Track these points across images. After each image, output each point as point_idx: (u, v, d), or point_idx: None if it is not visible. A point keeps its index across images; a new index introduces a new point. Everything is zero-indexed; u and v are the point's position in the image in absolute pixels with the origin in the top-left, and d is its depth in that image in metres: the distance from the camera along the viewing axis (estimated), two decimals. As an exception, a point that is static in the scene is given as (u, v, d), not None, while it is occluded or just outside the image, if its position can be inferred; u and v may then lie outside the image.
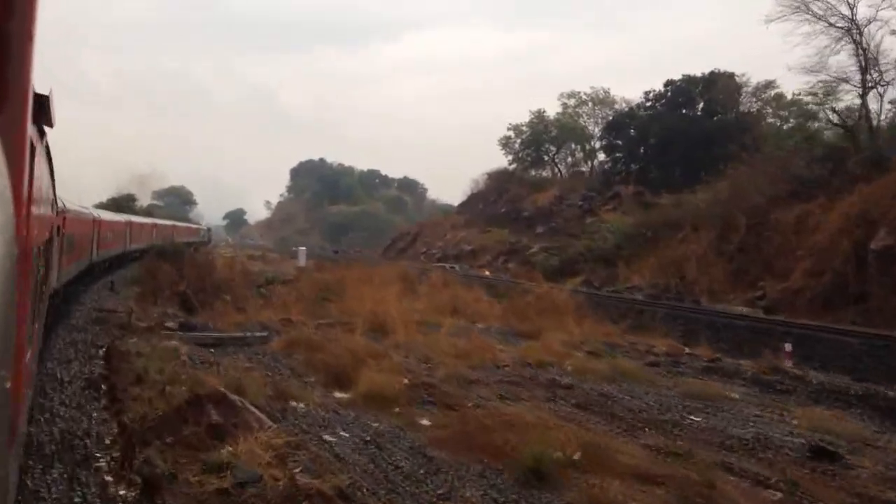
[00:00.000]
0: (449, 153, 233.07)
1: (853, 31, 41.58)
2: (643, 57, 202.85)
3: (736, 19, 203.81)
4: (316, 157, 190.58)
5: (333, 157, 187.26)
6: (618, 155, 69.65)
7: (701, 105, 65.41)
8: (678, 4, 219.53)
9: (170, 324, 18.73)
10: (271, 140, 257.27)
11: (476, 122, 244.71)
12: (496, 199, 78.19)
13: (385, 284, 35.03)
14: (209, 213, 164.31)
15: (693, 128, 62.76)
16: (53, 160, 6.69)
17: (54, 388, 12.53)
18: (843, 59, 45.84)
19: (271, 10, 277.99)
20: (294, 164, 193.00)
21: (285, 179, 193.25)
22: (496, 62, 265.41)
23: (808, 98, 48.52)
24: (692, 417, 11.15)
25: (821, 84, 43.05)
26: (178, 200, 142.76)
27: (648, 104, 69.54)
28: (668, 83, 67.28)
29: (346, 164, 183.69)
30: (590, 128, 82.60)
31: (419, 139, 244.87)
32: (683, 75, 66.55)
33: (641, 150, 65.78)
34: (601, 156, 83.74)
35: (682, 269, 38.42)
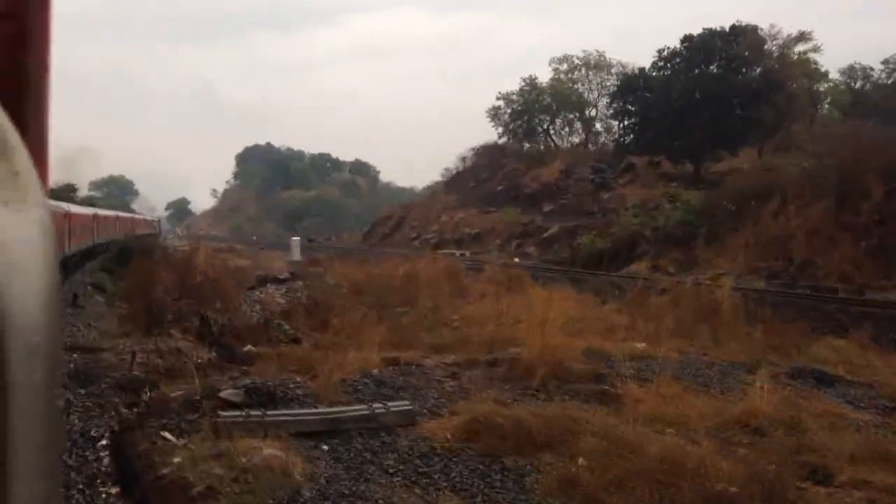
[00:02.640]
0: (398, 135, 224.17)
1: None
2: (585, 40, 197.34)
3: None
4: (262, 142, 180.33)
5: (280, 142, 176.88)
6: (630, 122, 62.14)
7: (723, 63, 58.11)
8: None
9: (227, 392, 10.32)
10: (211, 128, 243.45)
11: (423, 104, 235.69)
12: (489, 176, 70.27)
13: (436, 283, 27.05)
14: (149, 203, 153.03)
15: (719, 88, 55.62)
16: None
17: None
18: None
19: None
20: (236, 150, 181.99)
21: (229, 167, 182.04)
22: (437, 45, 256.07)
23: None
24: None
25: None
26: (118, 190, 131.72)
27: (661, 64, 62.19)
28: (686, 39, 59.97)
29: (295, 148, 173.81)
30: (586, 95, 75.25)
31: (366, 122, 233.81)
32: (704, 29, 59.32)
33: (657, 116, 58.24)
34: (598, 125, 77.07)
35: (787, 248, 31.07)
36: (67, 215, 25.63)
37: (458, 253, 51.23)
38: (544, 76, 75.25)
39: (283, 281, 39.12)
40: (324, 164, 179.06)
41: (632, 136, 61.86)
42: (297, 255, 41.48)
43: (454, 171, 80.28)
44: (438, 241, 60.66)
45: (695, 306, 19.71)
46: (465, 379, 12.21)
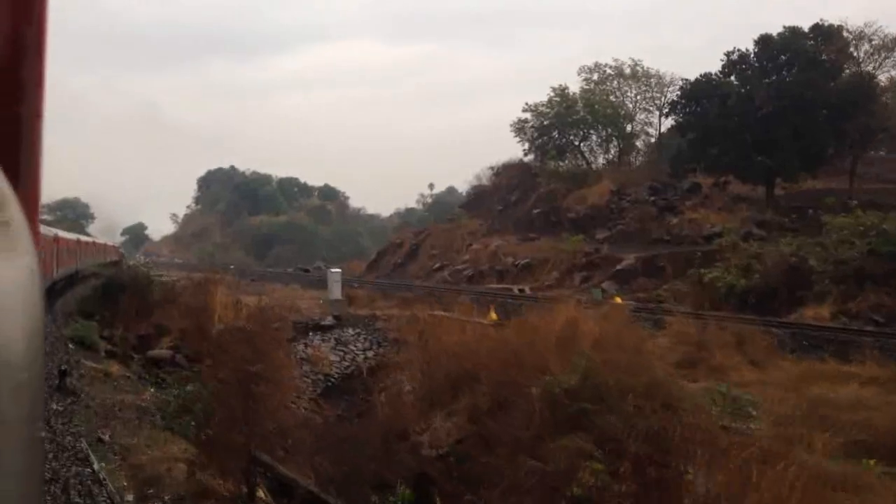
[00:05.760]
0: (362, 160, 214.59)
1: None
2: (537, 70, 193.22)
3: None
4: (224, 165, 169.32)
5: (241, 166, 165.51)
6: (694, 136, 53.03)
7: (804, 67, 49.40)
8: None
9: None
10: (165, 151, 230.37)
11: (384, 130, 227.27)
12: (521, 198, 60.82)
13: (617, 347, 17.27)
14: (109, 228, 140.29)
15: (809, 95, 47.00)
16: None
17: None
18: None
19: (156, 23, 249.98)
20: (193, 174, 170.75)
21: (188, 191, 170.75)
22: (392, 74, 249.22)
23: None
24: None
25: None
26: (73, 214, 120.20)
27: (726, 70, 53.52)
28: (763, 39, 51.37)
29: (260, 171, 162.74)
30: (622, 108, 66.58)
31: (329, 148, 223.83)
32: (785, 27, 50.81)
33: (734, 127, 49.29)
34: (638, 142, 68.55)
35: None
36: (56, 239, 23.99)
37: (516, 289, 41.53)
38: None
39: (328, 328, 29.04)
40: (292, 189, 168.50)
41: (695, 152, 52.75)
42: (337, 292, 31.35)
43: (474, 192, 70.99)
44: (473, 273, 50.85)
45: None
46: None
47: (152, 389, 19.13)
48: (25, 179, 0.95)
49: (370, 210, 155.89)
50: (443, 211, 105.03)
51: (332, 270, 33.65)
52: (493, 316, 27.79)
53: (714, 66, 53.83)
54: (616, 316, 20.34)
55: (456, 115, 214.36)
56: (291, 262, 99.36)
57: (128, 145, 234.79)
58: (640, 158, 67.61)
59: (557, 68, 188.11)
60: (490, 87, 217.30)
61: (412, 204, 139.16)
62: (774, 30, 51.11)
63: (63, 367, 14.24)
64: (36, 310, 0.77)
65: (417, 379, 19.27)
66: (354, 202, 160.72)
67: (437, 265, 56.35)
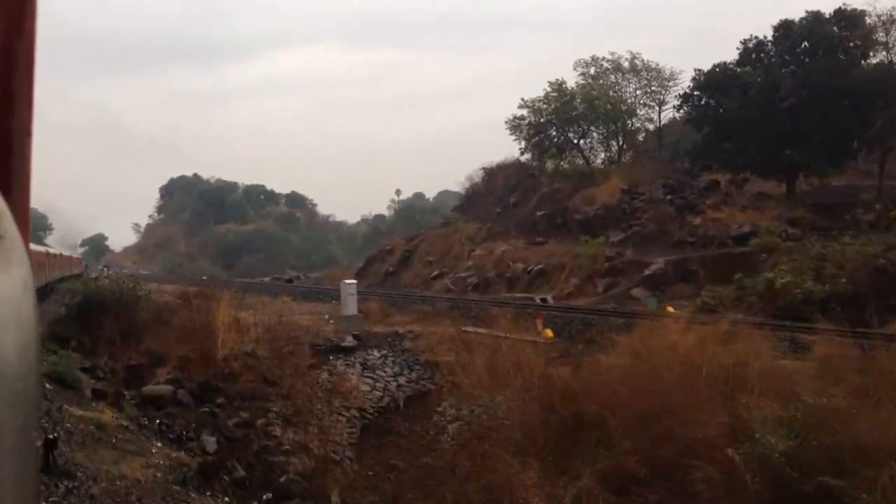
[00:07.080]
0: (326, 167, 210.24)
1: None
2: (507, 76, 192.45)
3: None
4: (188, 173, 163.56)
5: (204, 174, 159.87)
6: (709, 130, 49.46)
7: (829, 53, 46.01)
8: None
9: None
10: (126, 161, 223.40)
11: (348, 137, 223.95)
12: (521, 199, 56.81)
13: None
14: (59, 240, 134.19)
15: (840, 84, 43.57)
16: None
17: None
18: None
19: (114, 31, 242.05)
20: (153, 183, 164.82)
21: (149, 200, 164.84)
22: (356, 80, 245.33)
23: None
24: None
25: None
26: (31, 225, 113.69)
27: (741, 59, 50.07)
28: (783, 25, 48.00)
29: (225, 178, 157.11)
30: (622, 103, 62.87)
31: (292, 154, 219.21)
32: (808, 11, 47.39)
33: (757, 118, 45.68)
34: (640, 137, 64.96)
35: None
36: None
37: (538, 298, 37.44)
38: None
39: (350, 350, 24.62)
40: (258, 197, 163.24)
41: (709, 147, 49.17)
42: (352, 307, 26.99)
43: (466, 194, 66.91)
44: (479, 281, 46.62)
45: None
46: None
47: (159, 444, 14.71)
48: (16, 194, 0.95)
49: (338, 217, 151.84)
50: (412, 216, 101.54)
51: (346, 282, 29.20)
52: (548, 333, 23.66)
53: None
54: (745, 337, 16.23)
55: (422, 121, 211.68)
56: (261, 272, 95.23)
57: (87, 155, 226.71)
58: (631, 155, 63.98)
59: (525, 72, 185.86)
60: (456, 95, 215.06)
61: (378, 210, 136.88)
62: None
63: (51, 436, 9.74)
64: (30, 322, 0.79)
65: (503, 420, 15.01)
66: (322, 209, 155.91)
67: (435, 273, 52.01)
